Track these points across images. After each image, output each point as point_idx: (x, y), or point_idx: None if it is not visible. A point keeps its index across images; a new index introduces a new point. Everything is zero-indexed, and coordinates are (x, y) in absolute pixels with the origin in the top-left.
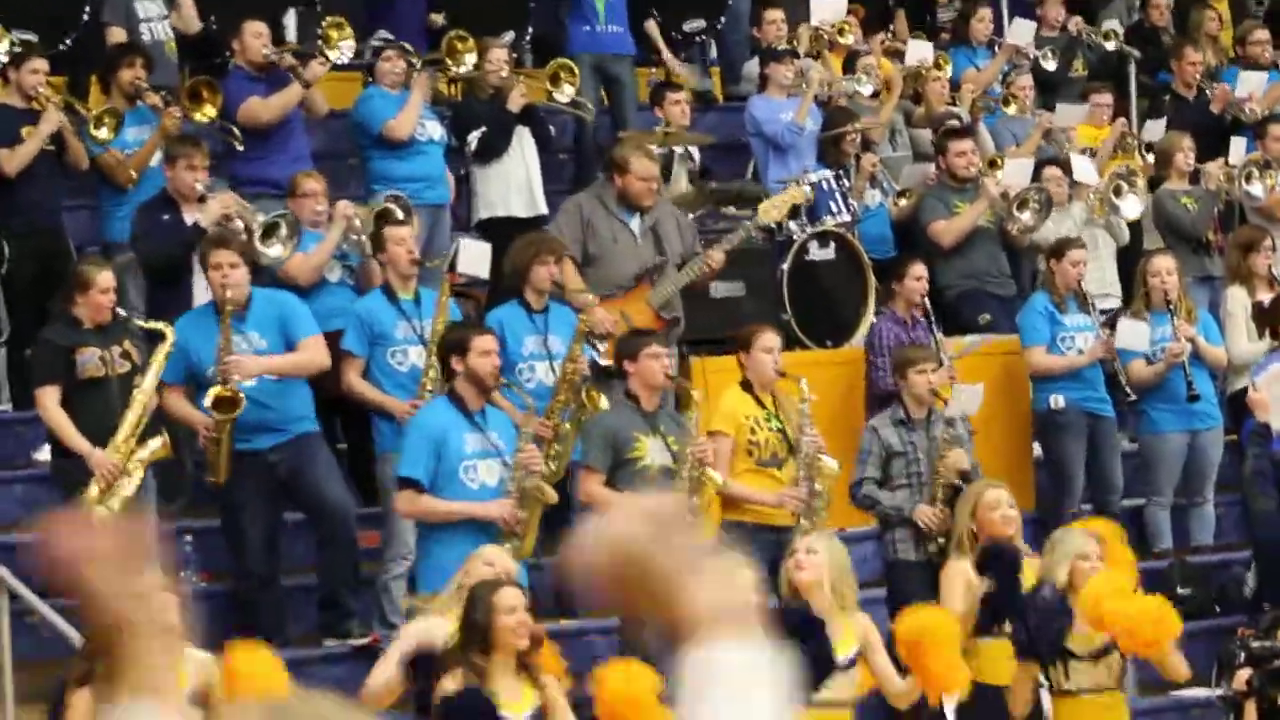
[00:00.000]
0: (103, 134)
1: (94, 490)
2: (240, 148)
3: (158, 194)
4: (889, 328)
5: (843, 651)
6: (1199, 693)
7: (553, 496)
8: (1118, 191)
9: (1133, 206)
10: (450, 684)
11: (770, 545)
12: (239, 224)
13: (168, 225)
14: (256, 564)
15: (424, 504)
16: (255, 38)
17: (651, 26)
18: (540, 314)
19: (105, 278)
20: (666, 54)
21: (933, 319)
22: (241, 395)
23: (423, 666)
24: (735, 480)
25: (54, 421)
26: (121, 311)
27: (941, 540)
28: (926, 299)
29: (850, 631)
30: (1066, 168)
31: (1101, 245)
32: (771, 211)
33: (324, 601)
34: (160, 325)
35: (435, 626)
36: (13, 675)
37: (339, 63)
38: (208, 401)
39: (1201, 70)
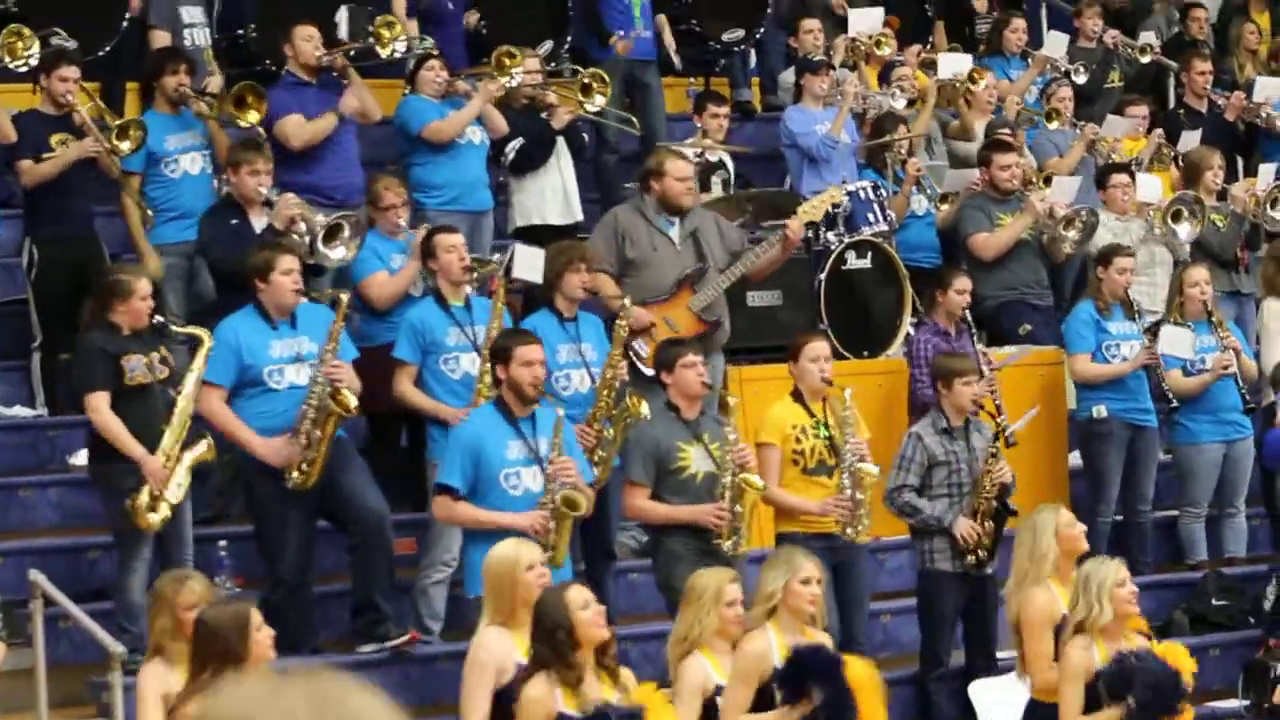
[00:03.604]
0: (125, 146)
1: (145, 497)
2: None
3: (221, 200)
4: (930, 339)
5: None
6: (1230, 704)
7: (581, 506)
8: (1176, 216)
9: (1186, 231)
10: (536, 688)
11: (824, 553)
12: (302, 226)
13: (236, 230)
14: (291, 570)
15: (458, 511)
16: (306, 41)
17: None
18: (571, 322)
19: (144, 285)
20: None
21: (973, 331)
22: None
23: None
24: (784, 489)
25: (108, 427)
26: (160, 318)
27: (982, 553)
28: (967, 311)
29: None
30: (1133, 176)
31: (1158, 262)
32: (811, 211)
33: (359, 608)
34: (196, 330)
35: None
36: (47, 679)
37: (389, 60)
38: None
39: (1211, 80)
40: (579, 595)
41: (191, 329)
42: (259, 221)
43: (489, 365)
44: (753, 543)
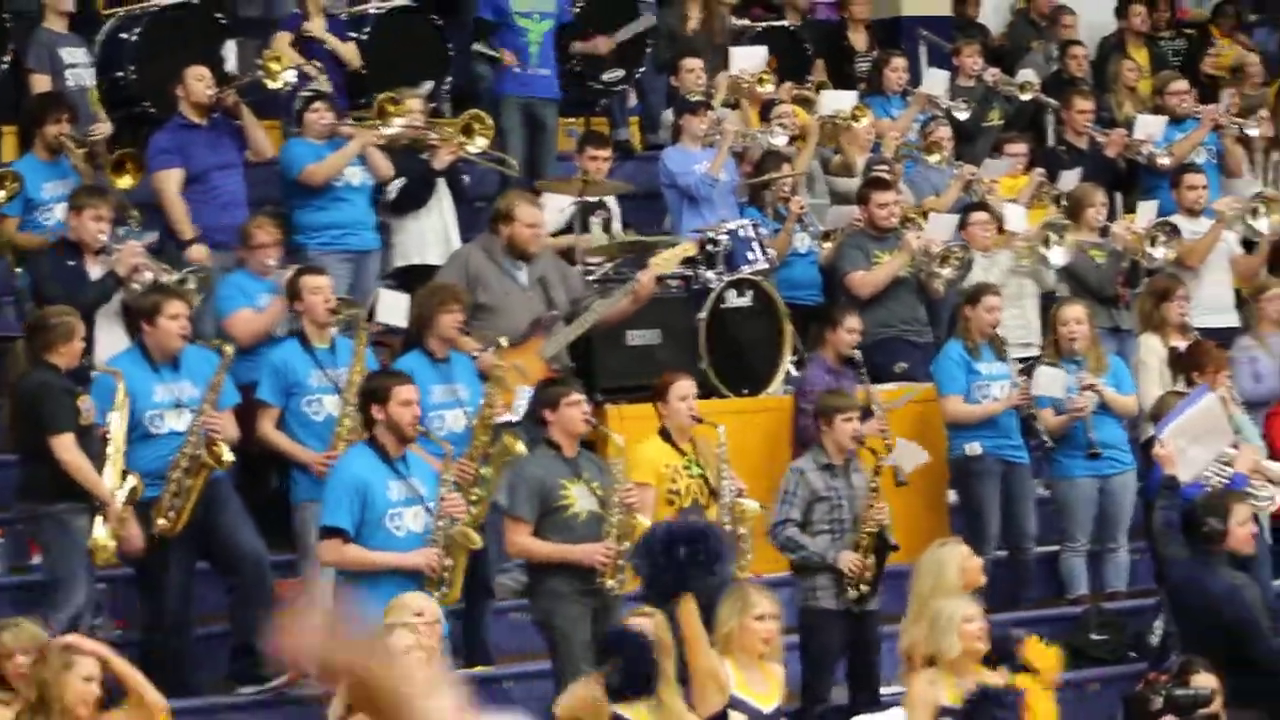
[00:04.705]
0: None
1: (102, 534)
2: (135, 228)
3: (61, 239)
4: (819, 375)
5: (767, 702)
6: None
7: (477, 541)
8: (1046, 242)
9: (1059, 257)
10: None
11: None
12: (147, 276)
13: (71, 272)
14: (174, 611)
15: (350, 554)
16: (198, 81)
17: None
18: (444, 362)
19: (81, 326)
20: None
21: (864, 370)
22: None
23: None
24: None
25: (80, 467)
26: (87, 358)
27: (865, 588)
28: (858, 350)
29: (775, 683)
30: (993, 213)
31: (1026, 293)
32: (663, 263)
33: (238, 649)
34: (113, 370)
35: None
36: None
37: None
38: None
39: (1093, 118)
40: (400, 640)
41: (109, 368)
42: (94, 268)
43: (349, 408)
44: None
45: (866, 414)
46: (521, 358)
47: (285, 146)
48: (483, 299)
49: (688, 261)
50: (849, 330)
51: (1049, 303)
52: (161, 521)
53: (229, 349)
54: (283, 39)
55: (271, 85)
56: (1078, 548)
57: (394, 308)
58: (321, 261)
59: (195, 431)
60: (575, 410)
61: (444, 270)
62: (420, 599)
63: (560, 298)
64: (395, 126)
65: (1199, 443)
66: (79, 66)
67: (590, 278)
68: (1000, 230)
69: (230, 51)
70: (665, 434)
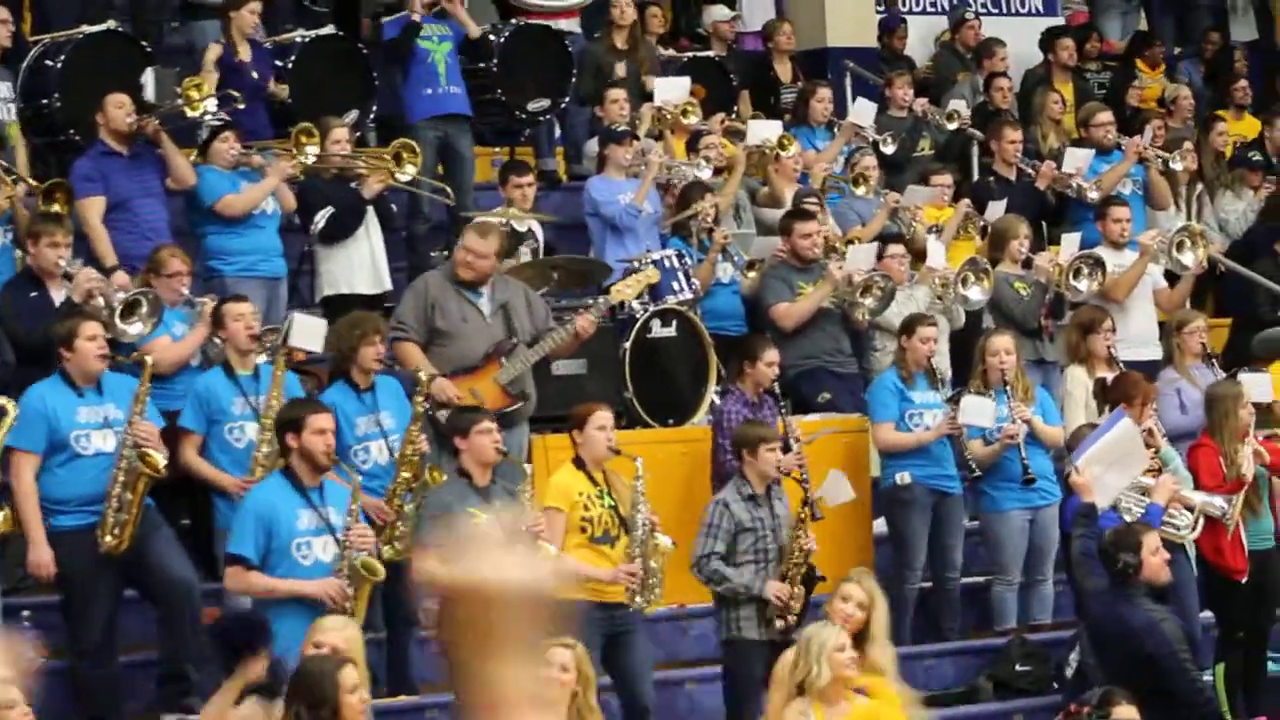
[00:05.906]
0: None
1: None
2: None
3: (20, 272)
4: (736, 408)
5: None
6: None
7: (380, 572)
8: (965, 281)
9: (977, 295)
10: None
11: (603, 623)
12: (100, 301)
13: (36, 303)
14: (96, 640)
15: (251, 580)
16: (118, 108)
17: None
18: (368, 392)
19: None
20: None
21: (781, 402)
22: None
23: None
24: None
25: None
26: None
27: (791, 618)
28: (776, 383)
29: None
30: (910, 247)
31: (939, 330)
32: (624, 292)
33: (166, 676)
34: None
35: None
36: None
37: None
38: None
39: (1021, 149)
40: (350, 678)
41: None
42: (58, 294)
43: (267, 435)
44: None
45: (786, 446)
46: (477, 384)
47: (197, 173)
48: (440, 325)
49: (607, 291)
50: (768, 364)
51: (956, 336)
52: (109, 539)
53: (150, 359)
54: (210, 73)
55: (192, 114)
56: (1010, 580)
57: (308, 332)
58: (239, 287)
59: (127, 445)
60: (486, 439)
61: (405, 296)
62: (341, 624)
63: (525, 325)
64: (310, 159)
65: (1114, 469)
66: (1, 100)
67: None
68: (919, 261)
69: (149, 79)
70: (579, 463)
